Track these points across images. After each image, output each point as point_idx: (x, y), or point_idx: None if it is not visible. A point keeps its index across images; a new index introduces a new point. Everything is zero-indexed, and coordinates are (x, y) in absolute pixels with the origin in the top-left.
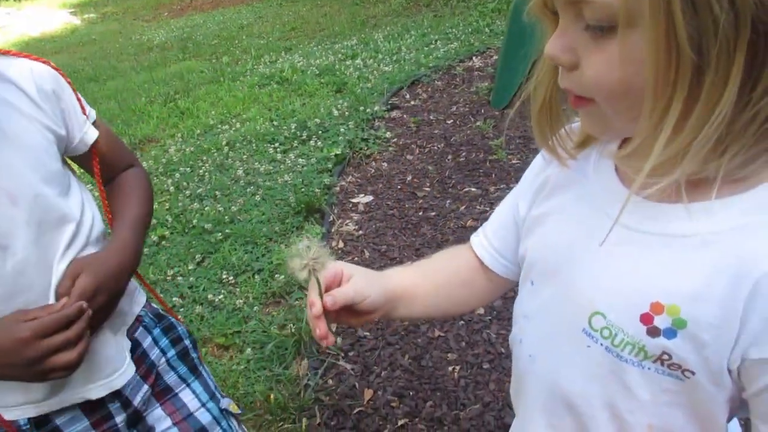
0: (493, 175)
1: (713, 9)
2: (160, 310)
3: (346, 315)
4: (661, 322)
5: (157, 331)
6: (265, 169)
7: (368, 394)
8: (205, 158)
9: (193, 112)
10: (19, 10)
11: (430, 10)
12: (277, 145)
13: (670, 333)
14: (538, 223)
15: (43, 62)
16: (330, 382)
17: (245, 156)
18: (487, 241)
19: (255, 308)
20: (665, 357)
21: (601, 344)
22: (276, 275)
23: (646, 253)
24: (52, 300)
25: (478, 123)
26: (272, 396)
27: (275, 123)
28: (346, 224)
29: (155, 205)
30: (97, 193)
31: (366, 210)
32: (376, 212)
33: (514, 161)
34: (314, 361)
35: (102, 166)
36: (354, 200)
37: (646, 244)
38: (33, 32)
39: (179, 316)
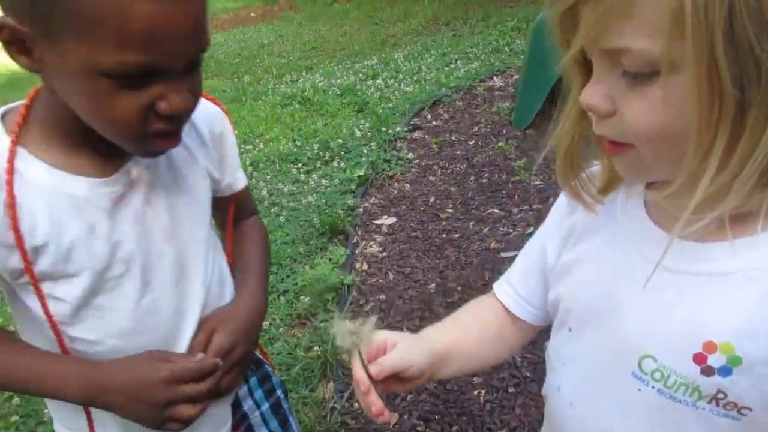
0: (516, 197)
1: (754, 49)
2: (257, 354)
3: (393, 383)
4: (715, 360)
5: (253, 381)
6: (288, 189)
7: (394, 418)
8: None
9: None
10: None
11: (450, 30)
12: (300, 165)
13: (725, 371)
14: (571, 269)
15: (215, 102)
16: (356, 405)
17: (269, 176)
18: (512, 289)
19: (281, 330)
20: (720, 396)
21: (653, 387)
22: (301, 297)
23: (691, 292)
24: (174, 347)
25: (500, 143)
26: (298, 419)
27: (298, 143)
28: (370, 246)
29: None
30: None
31: (389, 231)
32: (400, 234)
33: (537, 182)
34: (340, 383)
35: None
36: (377, 222)
37: (690, 284)
38: None
39: (272, 363)
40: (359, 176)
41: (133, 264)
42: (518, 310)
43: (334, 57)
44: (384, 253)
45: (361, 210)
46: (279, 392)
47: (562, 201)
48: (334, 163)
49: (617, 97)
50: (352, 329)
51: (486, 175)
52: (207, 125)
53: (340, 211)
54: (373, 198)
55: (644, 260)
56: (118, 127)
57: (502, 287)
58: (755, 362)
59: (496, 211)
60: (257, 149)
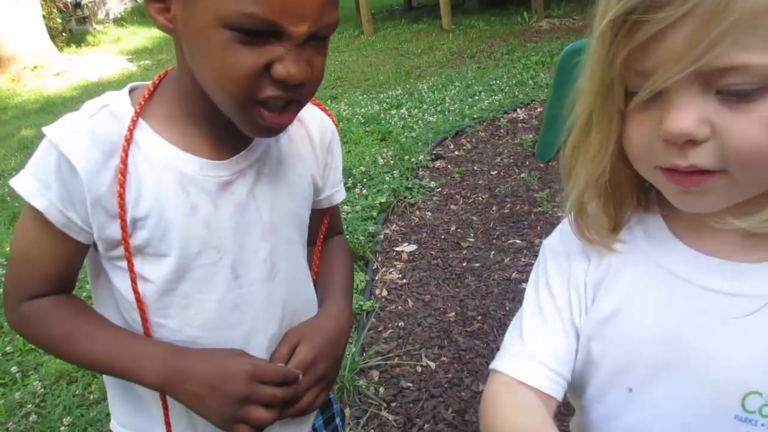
0: (538, 228)
1: None
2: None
3: None
4: None
5: (319, 422)
6: None
7: None
8: None
9: None
10: (80, 56)
11: (474, 62)
12: None
13: None
14: (610, 322)
15: (328, 114)
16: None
17: None
18: (548, 370)
19: None
20: None
21: (763, 425)
22: None
23: None
24: (249, 349)
25: (522, 174)
26: None
27: None
28: (390, 272)
29: None
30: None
31: (410, 259)
32: (420, 261)
33: (560, 213)
34: (357, 410)
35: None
36: (398, 249)
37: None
38: (91, 77)
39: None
40: (381, 203)
41: (225, 254)
42: (560, 391)
43: (359, 87)
44: (404, 280)
45: (381, 237)
46: (337, 420)
47: (562, 248)
48: (356, 190)
49: (715, 120)
50: None
51: (508, 205)
52: (320, 132)
53: (361, 237)
54: (394, 225)
55: (701, 288)
56: (232, 86)
57: (533, 371)
58: None
59: (518, 241)
60: None
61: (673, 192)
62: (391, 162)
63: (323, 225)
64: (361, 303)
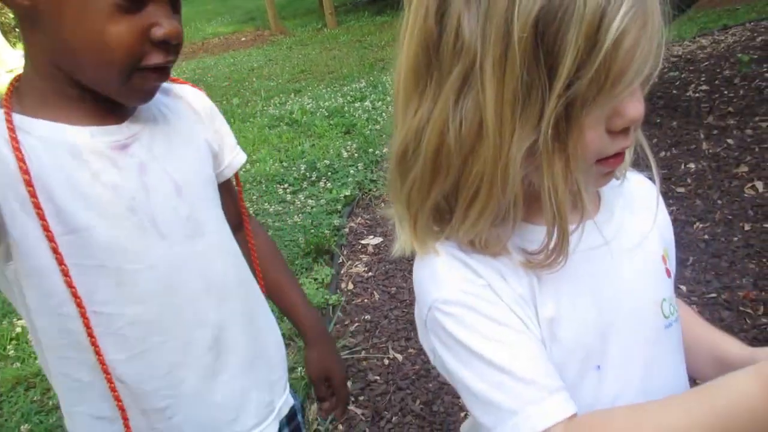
0: None
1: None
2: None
3: None
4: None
5: None
6: (274, 209)
7: None
8: None
9: None
10: None
11: None
12: (286, 186)
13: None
14: (553, 328)
15: (199, 89)
16: (340, 427)
17: (255, 197)
18: (565, 392)
19: None
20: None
21: (675, 319)
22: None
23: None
24: (201, 305)
25: None
26: None
27: (285, 164)
28: (356, 266)
29: None
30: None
31: (375, 252)
32: (386, 254)
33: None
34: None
35: (234, 206)
36: (363, 242)
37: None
38: None
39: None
40: (345, 196)
41: (144, 214)
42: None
43: (323, 80)
44: (370, 273)
45: (347, 230)
46: (299, 418)
47: (475, 288)
48: (321, 184)
49: None
50: None
51: None
52: (199, 102)
53: (326, 231)
54: (359, 218)
55: (601, 247)
56: (116, 55)
57: (560, 405)
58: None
59: None
60: (244, 170)
61: (600, 177)
62: (356, 155)
63: (240, 201)
64: (327, 297)
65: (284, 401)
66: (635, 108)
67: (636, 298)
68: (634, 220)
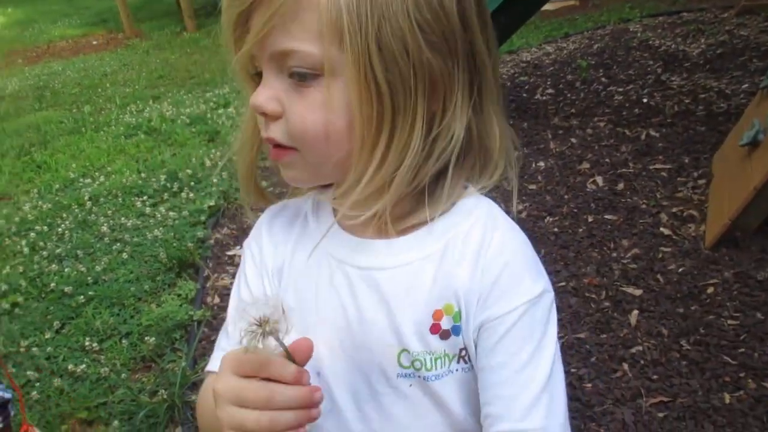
0: None
1: (399, 62)
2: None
3: None
4: (446, 323)
5: None
6: (132, 224)
7: None
8: (65, 215)
9: (51, 166)
10: None
11: None
12: (145, 198)
13: (456, 329)
14: (292, 311)
15: None
16: None
17: (110, 211)
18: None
19: (123, 375)
20: (463, 353)
21: (419, 376)
22: (146, 338)
23: (390, 282)
24: None
25: None
26: None
27: (143, 175)
28: (222, 278)
29: (7, 269)
30: None
31: None
32: None
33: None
34: (189, 428)
35: None
36: (230, 253)
37: (387, 276)
38: None
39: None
40: (210, 207)
41: None
42: None
43: (184, 86)
44: None
45: (212, 242)
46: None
47: (254, 242)
48: (183, 194)
49: (284, 100)
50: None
51: None
52: None
53: (190, 244)
54: (225, 228)
55: (352, 267)
56: None
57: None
58: (464, 307)
59: None
60: (98, 182)
61: (274, 163)
62: (220, 163)
63: None
64: (192, 313)
65: None
66: (252, 96)
67: (366, 332)
68: (422, 263)
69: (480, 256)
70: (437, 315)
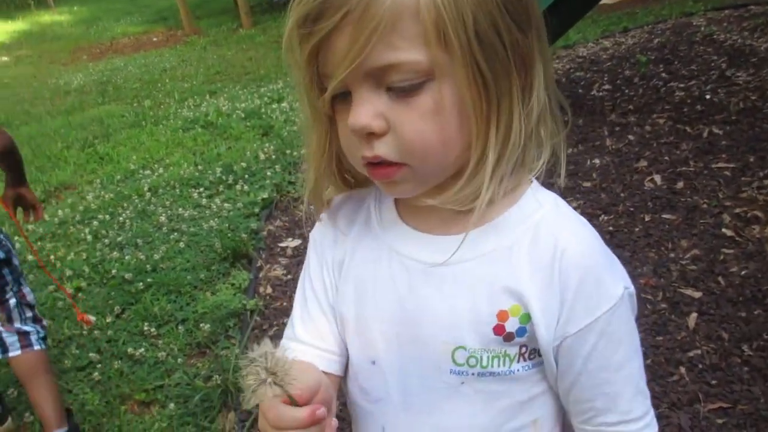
0: None
1: (496, 48)
2: None
3: None
4: (511, 325)
5: None
6: (189, 214)
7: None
8: (125, 205)
9: (113, 158)
10: None
11: None
12: (201, 189)
13: (521, 331)
14: (350, 302)
15: None
16: None
17: (168, 202)
18: (314, 348)
19: (179, 360)
20: (523, 350)
21: (472, 374)
22: (201, 325)
23: (464, 277)
24: None
25: None
26: None
27: (200, 167)
28: (275, 269)
29: (71, 255)
30: None
31: (294, 254)
32: (305, 256)
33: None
34: (242, 413)
35: None
36: (282, 244)
37: (459, 271)
38: None
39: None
40: (263, 199)
41: None
42: (328, 364)
43: (239, 81)
44: (288, 276)
45: (265, 233)
46: None
47: (319, 236)
48: (238, 187)
49: (389, 115)
50: (267, 365)
51: None
52: None
53: (244, 235)
54: (278, 221)
55: (415, 261)
56: None
57: (296, 351)
58: (537, 312)
59: None
60: (156, 174)
61: (380, 184)
62: (273, 157)
63: None
64: (245, 302)
65: None
66: (351, 115)
67: (422, 327)
68: (488, 260)
69: (554, 263)
70: (502, 316)
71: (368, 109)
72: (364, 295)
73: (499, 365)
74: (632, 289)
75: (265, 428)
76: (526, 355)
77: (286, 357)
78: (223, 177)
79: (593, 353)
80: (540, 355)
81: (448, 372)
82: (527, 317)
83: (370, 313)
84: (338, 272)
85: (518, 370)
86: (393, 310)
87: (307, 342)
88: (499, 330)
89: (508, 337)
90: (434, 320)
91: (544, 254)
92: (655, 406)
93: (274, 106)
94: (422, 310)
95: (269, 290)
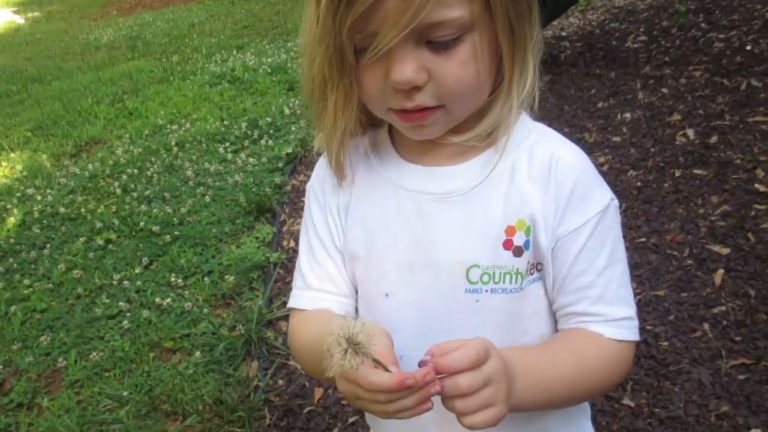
0: None
1: None
2: None
3: None
4: (519, 239)
5: None
6: (215, 169)
7: (318, 393)
8: (153, 159)
9: (142, 113)
10: None
11: None
12: (227, 144)
13: (527, 244)
14: (359, 241)
15: None
16: (280, 382)
17: (195, 156)
18: (326, 293)
19: (205, 310)
20: (531, 264)
21: (486, 290)
22: (226, 276)
23: (473, 201)
24: None
25: None
26: (221, 398)
27: (226, 122)
28: (298, 223)
29: (101, 208)
30: None
31: None
32: None
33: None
34: (264, 361)
35: None
36: (305, 199)
37: (470, 197)
38: None
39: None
40: (287, 154)
41: None
42: (343, 307)
43: (267, 36)
44: None
45: (289, 188)
46: None
47: (318, 185)
48: (263, 142)
49: (430, 66)
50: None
51: None
52: None
53: (268, 189)
54: (302, 175)
55: (424, 194)
56: None
57: (311, 299)
58: (539, 219)
59: None
60: (183, 129)
61: (405, 127)
62: (298, 112)
63: None
64: (268, 255)
65: None
66: (395, 72)
67: (436, 252)
68: (494, 182)
69: (550, 172)
70: (510, 231)
71: (412, 65)
72: (374, 232)
73: (510, 281)
74: (617, 202)
75: (357, 392)
76: (532, 270)
77: (362, 323)
78: (249, 132)
79: (580, 255)
80: (539, 270)
81: (464, 291)
82: (530, 230)
83: (381, 248)
84: (344, 216)
85: (526, 285)
86: (406, 242)
87: (320, 288)
88: (508, 244)
89: (517, 251)
90: (448, 243)
91: (542, 166)
92: (676, 362)
93: (300, 60)
94: (435, 236)
95: (292, 244)
